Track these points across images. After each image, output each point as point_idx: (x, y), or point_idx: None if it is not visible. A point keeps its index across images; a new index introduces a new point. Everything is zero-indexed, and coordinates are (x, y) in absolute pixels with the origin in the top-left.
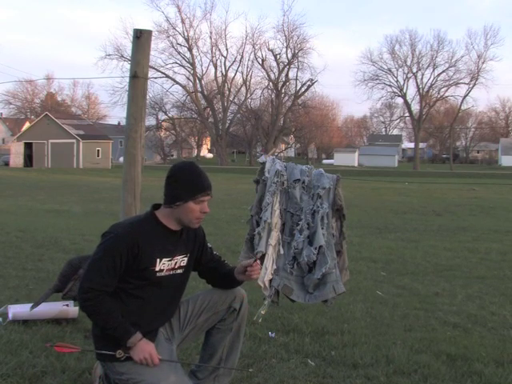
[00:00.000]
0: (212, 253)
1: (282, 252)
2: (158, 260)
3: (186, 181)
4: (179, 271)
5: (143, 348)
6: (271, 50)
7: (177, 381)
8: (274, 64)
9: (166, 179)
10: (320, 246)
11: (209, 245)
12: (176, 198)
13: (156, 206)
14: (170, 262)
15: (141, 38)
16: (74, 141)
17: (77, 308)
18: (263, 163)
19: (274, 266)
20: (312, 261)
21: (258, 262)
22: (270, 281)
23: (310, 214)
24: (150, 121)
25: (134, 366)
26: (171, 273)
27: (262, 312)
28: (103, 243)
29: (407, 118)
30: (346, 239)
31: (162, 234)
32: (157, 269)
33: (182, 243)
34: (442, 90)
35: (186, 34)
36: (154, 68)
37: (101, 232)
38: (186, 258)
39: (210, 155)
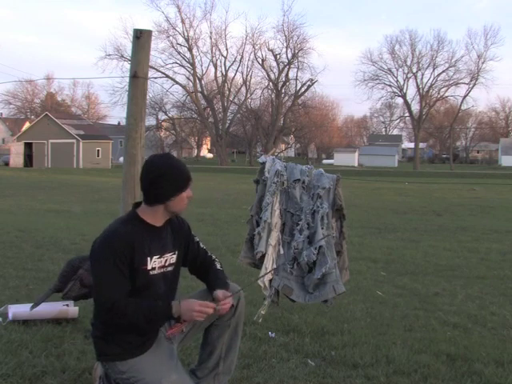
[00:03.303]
0: (199, 247)
1: (281, 252)
2: (149, 258)
3: (175, 175)
4: (170, 269)
5: (188, 307)
6: (271, 50)
7: (178, 379)
8: (274, 64)
9: (153, 178)
10: (320, 246)
11: (196, 238)
12: (171, 193)
13: (137, 205)
14: (160, 260)
15: (141, 38)
16: (74, 141)
17: (77, 308)
18: (263, 163)
19: (274, 266)
20: (312, 261)
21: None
22: (270, 281)
23: (310, 214)
24: (150, 121)
25: (135, 365)
26: (162, 271)
27: (262, 312)
28: (101, 256)
29: (407, 117)
30: (345, 239)
31: (149, 233)
32: (149, 267)
33: (169, 241)
34: (442, 90)
35: (186, 34)
36: (154, 68)
37: (101, 232)
38: (174, 256)
39: (210, 155)
